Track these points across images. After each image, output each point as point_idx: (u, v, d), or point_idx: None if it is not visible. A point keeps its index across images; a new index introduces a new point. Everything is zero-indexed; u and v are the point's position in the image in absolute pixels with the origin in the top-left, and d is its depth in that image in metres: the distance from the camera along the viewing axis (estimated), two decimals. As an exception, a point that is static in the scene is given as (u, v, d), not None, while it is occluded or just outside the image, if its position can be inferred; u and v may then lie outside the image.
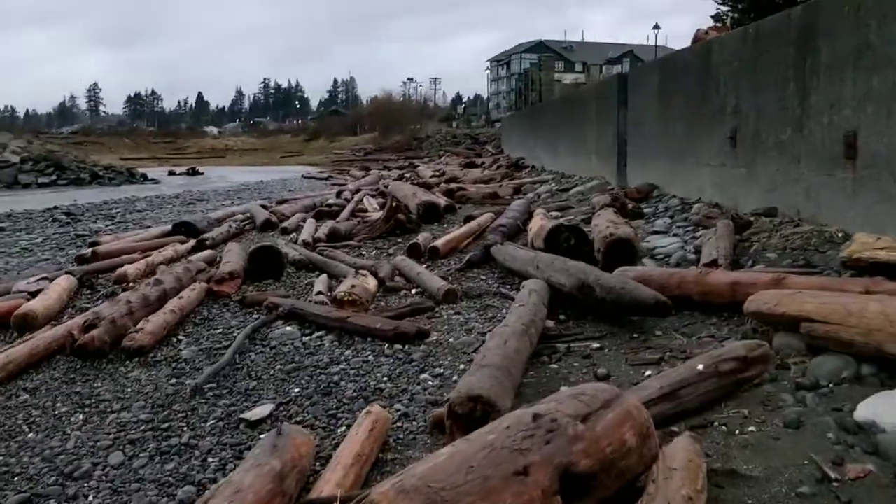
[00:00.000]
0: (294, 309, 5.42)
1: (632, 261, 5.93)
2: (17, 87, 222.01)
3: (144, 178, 35.98)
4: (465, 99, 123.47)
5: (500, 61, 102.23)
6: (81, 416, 3.73)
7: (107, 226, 14.28)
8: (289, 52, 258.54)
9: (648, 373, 3.71)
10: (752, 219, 7.12)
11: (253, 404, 3.71)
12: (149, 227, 13.14)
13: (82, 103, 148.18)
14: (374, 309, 5.67)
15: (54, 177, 32.38)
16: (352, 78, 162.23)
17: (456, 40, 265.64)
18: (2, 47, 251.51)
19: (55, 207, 18.36)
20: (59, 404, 3.93)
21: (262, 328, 5.23)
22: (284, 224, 11.21)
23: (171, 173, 40.99)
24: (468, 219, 9.63)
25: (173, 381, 4.20)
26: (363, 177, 25.81)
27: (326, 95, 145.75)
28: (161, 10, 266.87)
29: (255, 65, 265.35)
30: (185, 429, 3.46)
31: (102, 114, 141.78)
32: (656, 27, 57.85)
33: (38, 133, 56.53)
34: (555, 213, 10.36)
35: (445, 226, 10.49)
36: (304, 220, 11.48)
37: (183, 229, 10.93)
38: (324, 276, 6.65)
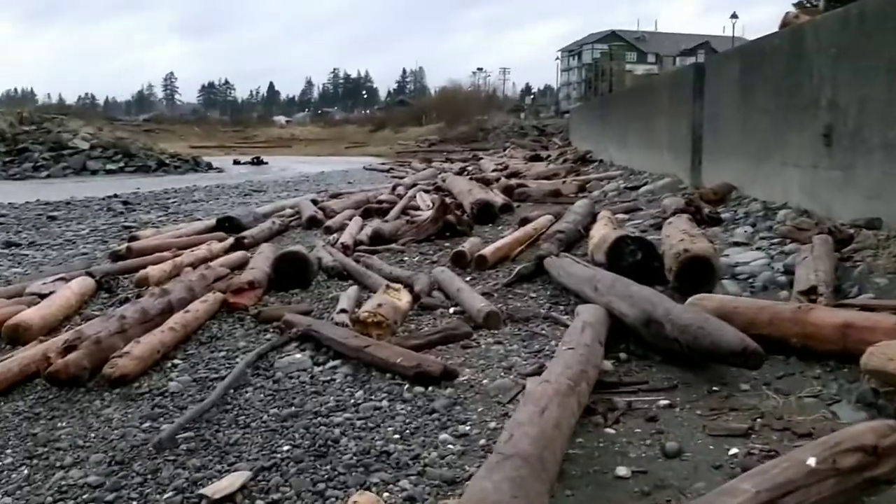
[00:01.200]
0: (309, 330, 4.68)
1: (710, 283, 4.99)
2: (98, 75, 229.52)
3: (209, 166, 36.17)
4: (534, 90, 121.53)
5: (572, 51, 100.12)
6: (25, 471, 3.07)
7: (158, 217, 13.94)
8: (359, 41, 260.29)
9: (734, 451, 2.82)
10: (852, 232, 6.07)
11: (227, 468, 2.97)
12: (199, 219, 12.71)
13: (159, 92, 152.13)
14: (403, 333, 4.89)
15: (122, 164, 32.76)
16: (420, 68, 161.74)
17: (527, 30, 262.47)
18: (86, 36, 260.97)
19: (114, 195, 18.26)
20: (8, 451, 3.28)
21: (271, 352, 4.52)
22: (329, 222, 10.53)
23: (236, 162, 41.19)
24: (523, 221, 8.76)
25: (147, 424, 3.50)
26: (423, 169, 25.08)
27: (395, 86, 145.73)
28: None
29: (326, 55, 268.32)
30: (134, 502, 2.74)
31: (178, 102, 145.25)
32: (734, 16, 55.28)
33: (111, 120, 57.80)
34: (621, 216, 9.42)
35: (500, 228, 9.65)
36: (351, 219, 10.80)
37: (227, 224, 10.39)
38: (353, 289, 5.91)
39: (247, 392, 3.87)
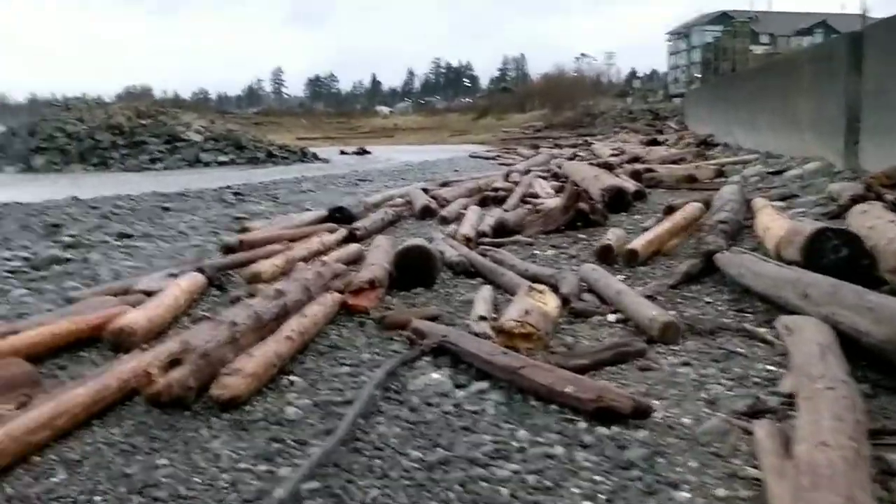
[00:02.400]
0: (445, 342, 3.91)
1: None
2: (211, 71, 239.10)
3: (315, 157, 36.38)
4: (639, 74, 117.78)
5: (680, 34, 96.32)
6: (114, 531, 2.42)
7: (268, 208, 13.65)
8: (460, 31, 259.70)
9: None
10: None
11: (366, 543, 2.23)
12: (308, 209, 12.30)
13: (267, 86, 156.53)
14: (558, 347, 4.04)
15: (232, 156, 33.26)
16: (522, 55, 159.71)
17: (632, 13, 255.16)
18: (199, 32, 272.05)
19: (226, 186, 18.25)
20: (97, 498, 2.65)
21: (401, 367, 3.78)
22: (444, 212, 9.81)
23: (342, 153, 41.40)
24: (669, 210, 7.73)
25: (263, 465, 2.81)
26: (532, 156, 24.11)
27: (496, 73, 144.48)
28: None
29: (427, 45, 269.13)
30: None
31: (285, 96, 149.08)
32: (865, -11, 50.78)
33: (223, 114, 59.45)
34: (778, 204, 8.24)
35: (637, 217, 8.66)
36: (467, 207, 10.05)
37: (337, 215, 9.86)
38: (487, 290, 5.09)
39: (379, 424, 3.12)
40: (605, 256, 6.00)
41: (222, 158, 32.58)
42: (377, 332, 4.55)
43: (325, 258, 6.37)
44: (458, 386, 3.52)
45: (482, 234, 7.77)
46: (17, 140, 32.43)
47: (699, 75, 65.35)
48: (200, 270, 6.34)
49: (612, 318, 4.50)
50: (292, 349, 4.06)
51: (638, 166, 13.76)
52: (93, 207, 13.74)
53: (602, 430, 2.88)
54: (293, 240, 7.92)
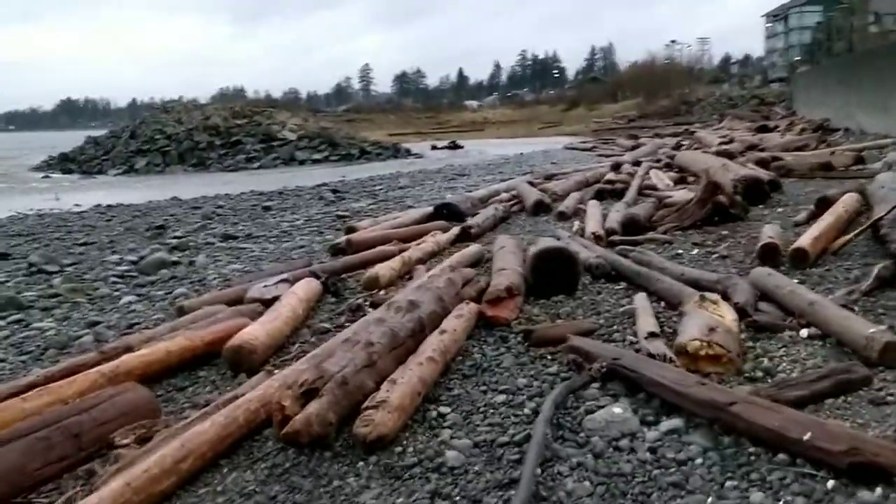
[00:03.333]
0: (619, 367, 3.30)
1: None
2: (301, 70, 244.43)
3: (408, 152, 36.27)
4: (733, 59, 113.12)
5: (777, 16, 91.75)
6: None
7: (368, 205, 13.32)
8: (546, 22, 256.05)
9: None
10: None
11: None
12: (410, 206, 11.89)
13: (356, 83, 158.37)
14: (752, 372, 3.36)
15: (326, 153, 33.46)
16: (610, 44, 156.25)
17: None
18: (289, 34, 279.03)
19: (323, 184, 18.11)
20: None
21: (569, 396, 3.20)
22: (561, 208, 9.15)
23: (433, 147, 41.17)
24: (822, 202, 6.87)
25: (431, 531, 2.29)
26: (633, 146, 23.07)
27: (583, 64, 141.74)
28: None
29: (513, 37, 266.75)
30: None
31: (373, 93, 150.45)
32: None
33: (314, 112, 60.22)
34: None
35: (780, 210, 7.79)
36: (583, 202, 9.39)
37: (444, 212, 9.36)
38: (643, 299, 4.43)
39: (563, 476, 2.55)
40: (770, 257, 5.23)
41: (316, 156, 32.79)
42: (524, 350, 3.97)
43: (449, 262, 5.86)
44: (645, 423, 2.91)
45: (611, 232, 7.11)
46: (120, 142, 33.54)
47: (798, 58, 62.03)
48: (315, 276, 5.94)
49: (804, 333, 3.78)
50: (436, 372, 3.54)
51: (762, 154, 12.72)
52: (195, 208, 13.76)
53: (864, 493, 2.23)
54: (404, 240, 7.47)
